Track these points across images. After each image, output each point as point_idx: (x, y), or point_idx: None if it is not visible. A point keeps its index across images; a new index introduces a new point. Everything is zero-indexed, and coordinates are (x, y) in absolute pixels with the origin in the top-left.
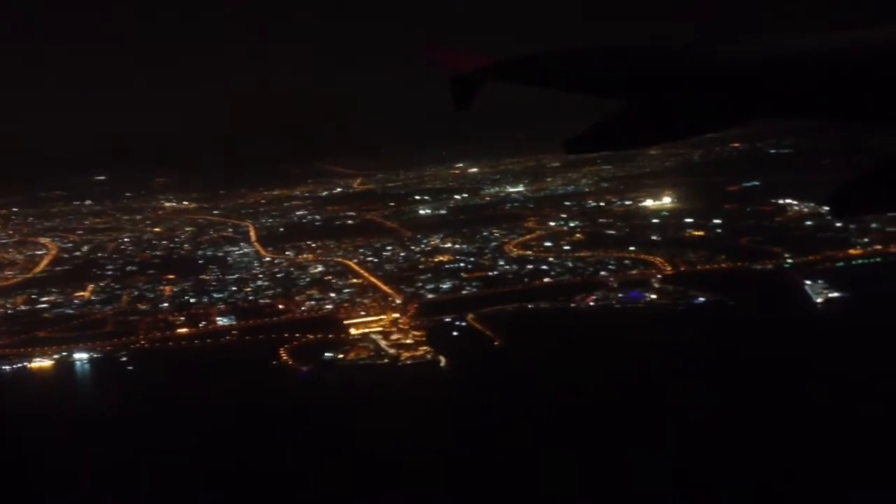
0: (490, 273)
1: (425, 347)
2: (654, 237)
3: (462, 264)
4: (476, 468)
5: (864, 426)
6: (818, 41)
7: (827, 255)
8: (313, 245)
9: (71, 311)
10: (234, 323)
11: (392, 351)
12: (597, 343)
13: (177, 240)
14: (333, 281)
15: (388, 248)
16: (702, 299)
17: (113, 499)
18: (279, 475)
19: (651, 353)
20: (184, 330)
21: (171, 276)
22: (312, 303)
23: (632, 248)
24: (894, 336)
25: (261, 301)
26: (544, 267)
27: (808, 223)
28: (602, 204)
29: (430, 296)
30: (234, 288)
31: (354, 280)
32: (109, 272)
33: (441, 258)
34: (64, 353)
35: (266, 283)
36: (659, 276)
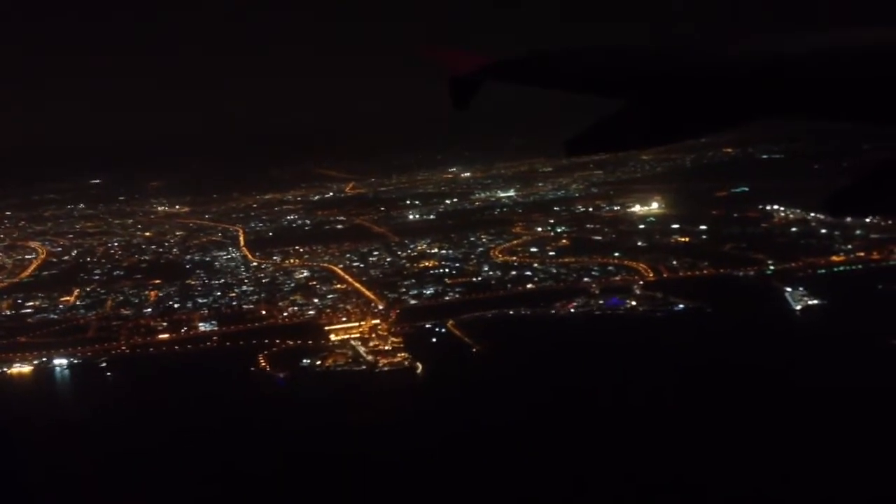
0: (474, 279)
1: (403, 354)
2: (639, 243)
3: (447, 270)
4: (441, 475)
5: (832, 433)
6: (818, 41)
7: (809, 261)
8: (301, 250)
9: (54, 317)
10: (216, 329)
11: (370, 357)
12: (573, 349)
13: (166, 244)
14: (318, 286)
15: (375, 253)
16: (681, 306)
17: None
18: (241, 481)
19: (627, 360)
20: (165, 336)
21: (157, 281)
22: (295, 308)
23: (616, 255)
24: (868, 343)
25: (244, 306)
26: (528, 273)
27: (794, 229)
28: (590, 209)
29: (412, 302)
30: (218, 293)
31: (338, 286)
32: (96, 277)
33: (426, 263)
34: (44, 360)
35: (251, 289)
36: (641, 282)
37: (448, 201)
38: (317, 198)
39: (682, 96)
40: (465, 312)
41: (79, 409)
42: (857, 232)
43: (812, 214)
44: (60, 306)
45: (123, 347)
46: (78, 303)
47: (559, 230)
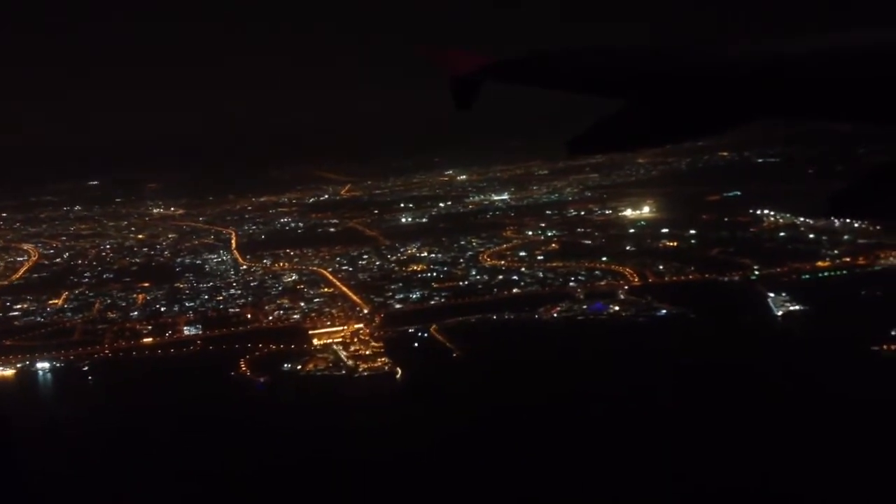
0: (461, 283)
1: (384, 359)
2: (628, 247)
3: (434, 274)
4: (412, 480)
5: (806, 439)
6: (818, 41)
7: (795, 266)
8: (291, 253)
9: (41, 320)
10: (200, 332)
11: (350, 362)
12: (553, 354)
13: (158, 247)
14: (305, 290)
15: (365, 256)
16: (664, 311)
17: None
18: (211, 483)
19: (607, 365)
20: (149, 339)
21: (145, 284)
22: (281, 312)
23: (604, 259)
24: (847, 349)
25: (230, 310)
26: (514, 277)
27: (782, 234)
28: (582, 213)
29: (397, 306)
30: (206, 296)
31: (326, 289)
32: (86, 280)
33: (415, 267)
34: (27, 363)
35: (238, 292)
36: (626, 287)
37: (442, 204)
38: (311, 200)
39: (682, 96)
40: (450, 317)
41: (57, 412)
42: (845, 237)
43: (801, 219)
44: (48, 309)
45: (107, 351)
46: (65, 306)
47: (549, 234)
